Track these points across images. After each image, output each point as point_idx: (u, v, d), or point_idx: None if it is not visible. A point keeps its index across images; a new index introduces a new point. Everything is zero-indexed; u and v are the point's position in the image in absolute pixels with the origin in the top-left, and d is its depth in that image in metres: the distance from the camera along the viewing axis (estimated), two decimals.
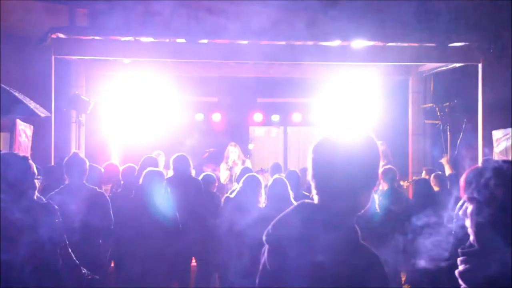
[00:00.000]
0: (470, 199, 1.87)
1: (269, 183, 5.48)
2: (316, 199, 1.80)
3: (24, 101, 5.39)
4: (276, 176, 5.84)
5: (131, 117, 10.46)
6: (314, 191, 1.81)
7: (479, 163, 1.89)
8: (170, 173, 6.70)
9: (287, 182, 5.34)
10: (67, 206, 4.63)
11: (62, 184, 5.32)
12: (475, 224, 1.86)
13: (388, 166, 6.66)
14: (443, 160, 7.80)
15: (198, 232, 5.97)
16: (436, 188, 6.68)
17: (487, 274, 1.77)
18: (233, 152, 8.56)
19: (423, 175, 7.35)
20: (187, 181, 6.40)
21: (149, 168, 5.76)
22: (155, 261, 5.36)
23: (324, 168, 1.77)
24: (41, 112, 5.68)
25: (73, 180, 5.19)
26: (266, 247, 1.86)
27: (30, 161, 3.48)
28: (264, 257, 1.86)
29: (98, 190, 5.37)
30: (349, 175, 1.73)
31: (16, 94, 5.31)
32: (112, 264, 6.13)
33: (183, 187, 6.20)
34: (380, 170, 1.80)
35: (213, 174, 7.23)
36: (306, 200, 1.84)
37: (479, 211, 1.84)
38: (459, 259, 1.86)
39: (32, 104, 5.52)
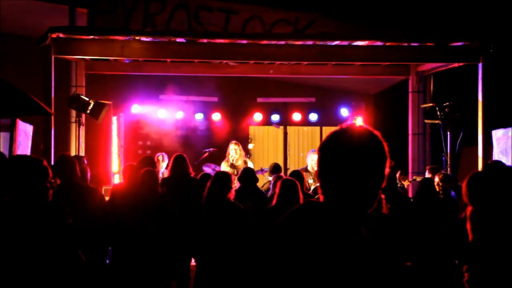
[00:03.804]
0: (472, 203, 1.88)
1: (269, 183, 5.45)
2: (321, 198, 1.79)
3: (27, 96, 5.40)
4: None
5: (130, 117, 10.47)
6: (320, 190, 1.80)
7: (480, 167, 1.91)
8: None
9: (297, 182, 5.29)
10: None
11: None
12: (476, 227, 1.86)
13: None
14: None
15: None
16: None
17: (489, 277, 1.78)
18: (233, 149, 8.55)
19: (427, 174, 7.32)
20: (184, 181, 6.38)
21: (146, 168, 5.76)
22: (153, 260, 5.34)
23: (329, 166, 1.76)
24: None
25: None
26: (272, 244, 1.85)
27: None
28: (268, 255, 1.85)
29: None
30: (355, 174, 1.72)
31: (19, 89, 5.32)
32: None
33: (179, 187, 6.18)
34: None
35: (210, 174, 7.22)
36: (312, 199, 1.83)
37: (481, 214, 1.84)
38: (464, 267, 1.85)
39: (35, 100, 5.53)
